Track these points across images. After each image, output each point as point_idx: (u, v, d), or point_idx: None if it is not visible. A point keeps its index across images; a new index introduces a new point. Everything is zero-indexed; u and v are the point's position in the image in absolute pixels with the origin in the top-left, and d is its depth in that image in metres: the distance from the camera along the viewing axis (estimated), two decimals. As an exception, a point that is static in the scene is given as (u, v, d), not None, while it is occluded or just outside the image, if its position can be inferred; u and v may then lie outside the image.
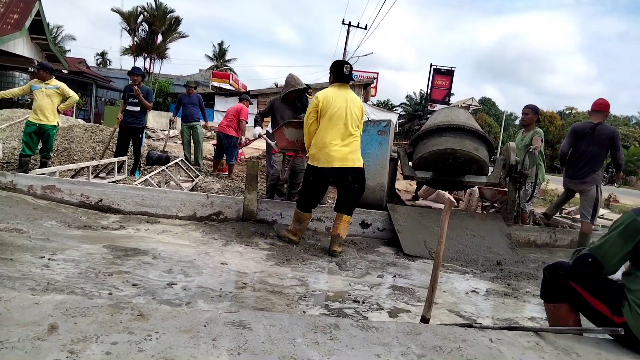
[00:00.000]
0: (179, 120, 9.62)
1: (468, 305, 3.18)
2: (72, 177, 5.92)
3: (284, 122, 4.69)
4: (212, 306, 2.59)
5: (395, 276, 3.68)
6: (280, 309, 2.70)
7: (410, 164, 5.43)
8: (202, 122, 9.36)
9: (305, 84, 5.56)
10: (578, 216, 7.03)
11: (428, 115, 26.32)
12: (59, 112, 6.74)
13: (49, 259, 3.04)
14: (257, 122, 5.48)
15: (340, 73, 4.16)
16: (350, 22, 27.66)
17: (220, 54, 49.29)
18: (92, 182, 4.98)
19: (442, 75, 24.76)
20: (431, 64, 25.67)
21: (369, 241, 4.86)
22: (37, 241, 3.45)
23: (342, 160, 3.98)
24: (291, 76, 5.44)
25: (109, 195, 4.79)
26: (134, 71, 7.18)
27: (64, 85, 6.71)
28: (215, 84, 35.11)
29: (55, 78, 6.67)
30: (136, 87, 7.04)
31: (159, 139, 15.85)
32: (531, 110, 5.97)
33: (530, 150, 5.33)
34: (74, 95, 6.79)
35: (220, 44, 49.29)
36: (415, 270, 3.99)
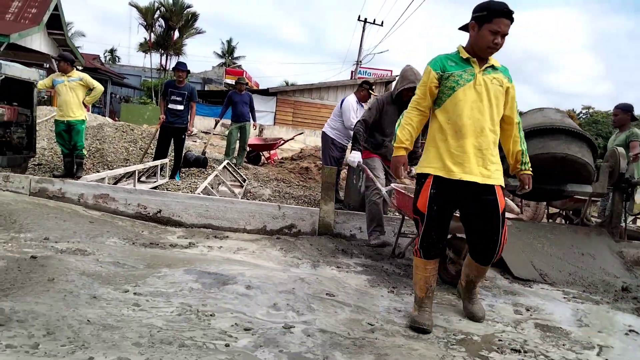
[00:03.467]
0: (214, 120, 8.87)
1: (644, 353, 2.58)
2: (115, 183, 5.37)
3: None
4: (357, 362, 2.01)
5: (528, 310, 3.09)
6: (436, 364, 2.13)
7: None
8: (252, 122, 8.56)
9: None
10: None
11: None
12: (85, 105, 6.25)
13: (134, 293, 2.47)
14: (358, 141, 4.14)
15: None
16: (365, 19, 26.99)
17: (229, 51, 48.74)
18: (151, 190, 4.42)
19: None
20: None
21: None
22: (108, 266, 2.89)
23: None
24: (410, 69, 4.21)
25: (169, 205, 4.23)
26: (180, 67, 6.63)
27: (86, 76, 6.22)
28: (229, 81, 34.57)
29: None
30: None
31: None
32: (620, 110, 5.60)
33: (631, 159, 4.94)
34: (98, 86, 6.29)
35: (229, 41, 48.82)
36: (540, 300, 3.38)
